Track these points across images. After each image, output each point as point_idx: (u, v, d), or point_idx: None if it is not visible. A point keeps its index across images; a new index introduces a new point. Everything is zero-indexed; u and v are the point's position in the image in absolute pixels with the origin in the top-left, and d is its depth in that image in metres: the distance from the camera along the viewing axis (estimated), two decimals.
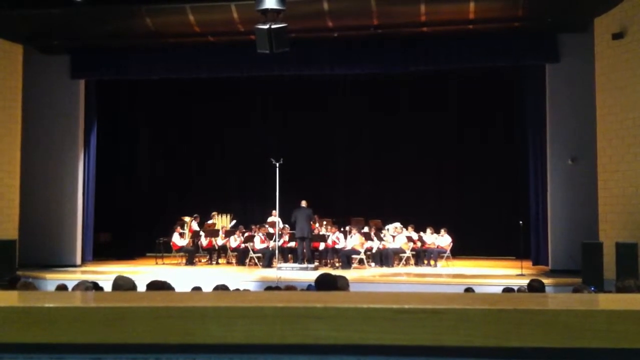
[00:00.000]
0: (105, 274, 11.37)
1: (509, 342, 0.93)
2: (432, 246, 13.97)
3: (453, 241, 14.07)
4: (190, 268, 13.68)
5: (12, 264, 11.63)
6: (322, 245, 13.69)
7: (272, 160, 12.19)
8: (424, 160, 16.38)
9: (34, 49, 13.59)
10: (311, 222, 13.61)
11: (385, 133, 16.48)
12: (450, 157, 16.38)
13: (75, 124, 14.01)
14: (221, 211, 15.96)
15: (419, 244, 13.94)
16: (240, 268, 13.45)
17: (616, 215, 11.14)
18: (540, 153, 13.13)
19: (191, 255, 14.24)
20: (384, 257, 13.58)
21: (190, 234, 14.65)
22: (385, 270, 13.11)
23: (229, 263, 14.40)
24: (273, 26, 10.10)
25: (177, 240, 14.31)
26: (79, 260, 13.83)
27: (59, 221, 13.70)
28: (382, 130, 16.50)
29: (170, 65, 13.61)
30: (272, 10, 9.96)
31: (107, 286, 5.72)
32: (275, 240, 13.28)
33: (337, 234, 13.70)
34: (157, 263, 14.40)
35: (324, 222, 14.33)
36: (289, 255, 13.97)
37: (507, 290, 7.07)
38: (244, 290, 7.59)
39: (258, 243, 13.73)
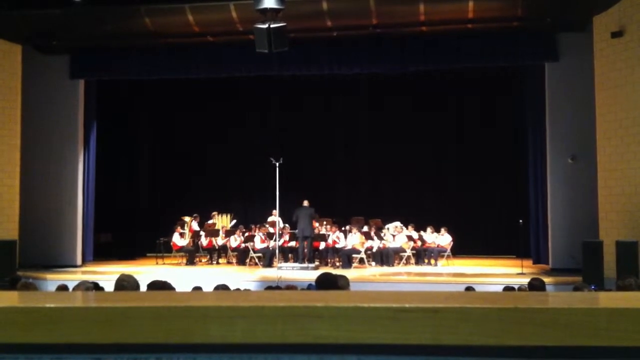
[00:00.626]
0: (106, 274, 11.39)
1: (509, 341, 0.93)
2: (432, 245, 13.97)
3: (453, 240, 14.07)
4: (190, 268, 13.69)
5: (13, 264, 11.60)
6: (322, 245, 13.69)
7: (272, 160, 12.19)
8: (423, 159, 16.39)
9: (33, 49, 13.59)
10: (313, 221, 13.62)
11: (385, 133, 16.48)
12: (450, 156, 16.39)
13: (75, 124, 14.00)
14: (221, 211, 15.95)
15: (419, 243, 13.95)
16: (241, 268, 13.45)
17: (616, 214, 11.14)
18: (540, 152, 13.12)
19: (191, 255, 14.25)
20: (384, 257, 13.58)
21: (190, 234, 14.64)
22: (385, 269, 13.11)
23: (229, 263, 14.39)
24: (272, 25, 10.10)
25: (178, 240, 14.31)
26: (79, 261, 13.83)
27: (59, 221, 13.70)
28: (382, 130, 16.49)
29: (170, 65, 13.62)
30: (271, 9, 9.98)
31: (108, 286, 5.73)
32: (275, 240, 13.28)
33: (338, 233, 13.70)
34: (157, 263, 14.40)
35: (324, 222, 14.33)
36: (290, 255, 13.97)
37: (508, 289, 7.06)
38: (245, 290, 7.59)
39: (258, 243, 13.74)
